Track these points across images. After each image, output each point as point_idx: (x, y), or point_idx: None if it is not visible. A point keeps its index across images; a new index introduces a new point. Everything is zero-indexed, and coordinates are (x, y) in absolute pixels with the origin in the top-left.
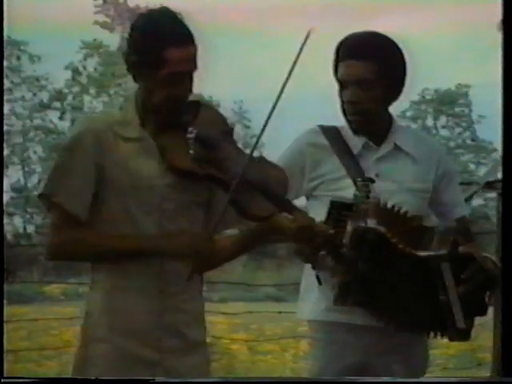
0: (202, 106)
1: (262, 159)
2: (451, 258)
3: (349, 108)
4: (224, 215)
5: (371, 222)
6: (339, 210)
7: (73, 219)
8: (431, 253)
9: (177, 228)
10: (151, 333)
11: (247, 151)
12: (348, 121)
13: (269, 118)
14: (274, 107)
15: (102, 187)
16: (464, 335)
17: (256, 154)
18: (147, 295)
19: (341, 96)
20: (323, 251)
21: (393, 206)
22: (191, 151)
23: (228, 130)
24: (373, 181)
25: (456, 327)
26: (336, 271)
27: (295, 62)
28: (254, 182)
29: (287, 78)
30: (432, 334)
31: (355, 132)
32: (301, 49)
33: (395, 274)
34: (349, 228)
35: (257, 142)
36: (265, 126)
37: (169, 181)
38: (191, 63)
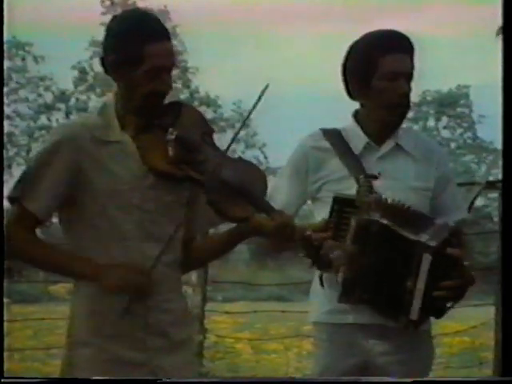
0: (183, 107)
1: (240, 160)
2: (436, 253)
3: (403, 100)
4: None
5: (374, 216)
6: (342, 206)
7: (30, 217)
8: (421, 239)
9: (159, 229)
10: (135, 334)
11: (248, 151)
12: (391, 114)
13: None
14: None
15: (80, 191)
16: (412, 327)
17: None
18: (129, 297)
19: (382, 89)
20: (303, 251)
21: (394, 201)
22: (170, 153)
23: (208, 131)
24: (376, 177)
25: (408, 317)
26: (339, 266)
27: (250, 112)
28: (231, 182)
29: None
30: (386, 316)
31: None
32: (259, 98)
33: (399, 265)
34: (352, 223)
35: (230, 143)
36: (239, 130)
37: (150, 182)
38: (170, 58)
